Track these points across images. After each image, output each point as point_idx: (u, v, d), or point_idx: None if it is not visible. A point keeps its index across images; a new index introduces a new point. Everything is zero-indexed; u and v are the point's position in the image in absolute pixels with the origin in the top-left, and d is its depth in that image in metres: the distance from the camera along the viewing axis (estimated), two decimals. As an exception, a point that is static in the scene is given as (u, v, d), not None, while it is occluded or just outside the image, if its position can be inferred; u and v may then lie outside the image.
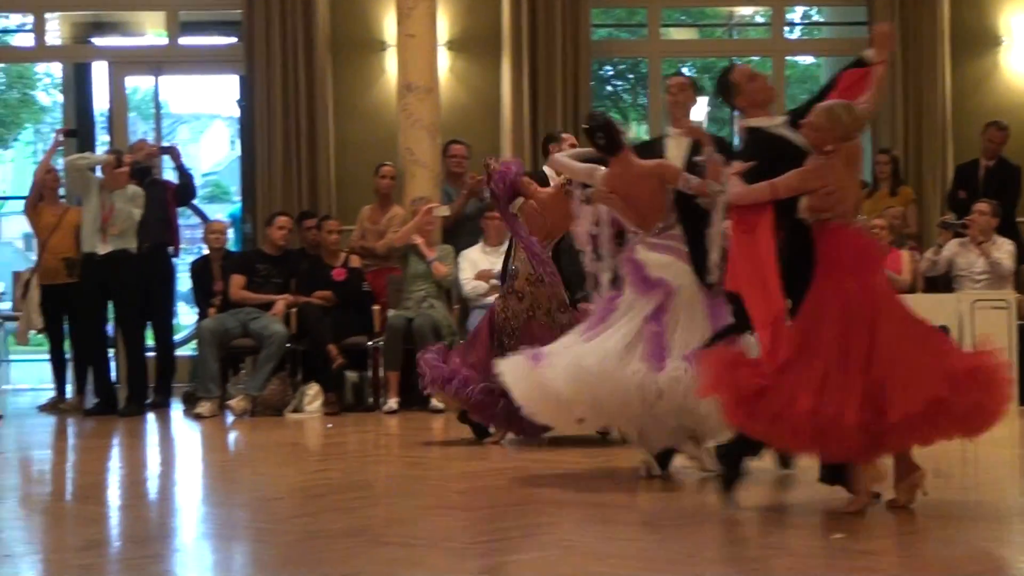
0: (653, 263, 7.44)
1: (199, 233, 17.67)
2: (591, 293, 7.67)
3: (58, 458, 9.76)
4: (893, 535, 6.01)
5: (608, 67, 21.87)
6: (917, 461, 6.38)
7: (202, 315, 11.97)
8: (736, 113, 6.94)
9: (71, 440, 10.62)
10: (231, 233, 13.72)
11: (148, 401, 11.56)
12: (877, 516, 6.25)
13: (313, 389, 11.21)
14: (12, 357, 15.52)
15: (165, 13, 14.19)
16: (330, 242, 11.79)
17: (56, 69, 21.71)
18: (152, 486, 8.23)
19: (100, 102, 16.17)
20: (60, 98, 21.36)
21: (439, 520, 6.55)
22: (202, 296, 12.06)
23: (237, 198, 26.64)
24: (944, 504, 6.53)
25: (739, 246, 6.47)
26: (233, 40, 14.25)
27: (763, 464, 7.02)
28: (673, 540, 5.96)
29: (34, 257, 12.94)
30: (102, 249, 11.25)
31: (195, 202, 13.27)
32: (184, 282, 14.19)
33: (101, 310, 11.58)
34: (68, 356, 11.95)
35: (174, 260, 12.25)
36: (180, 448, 10.26)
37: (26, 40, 16.02)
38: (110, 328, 11.96)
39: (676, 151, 7.66)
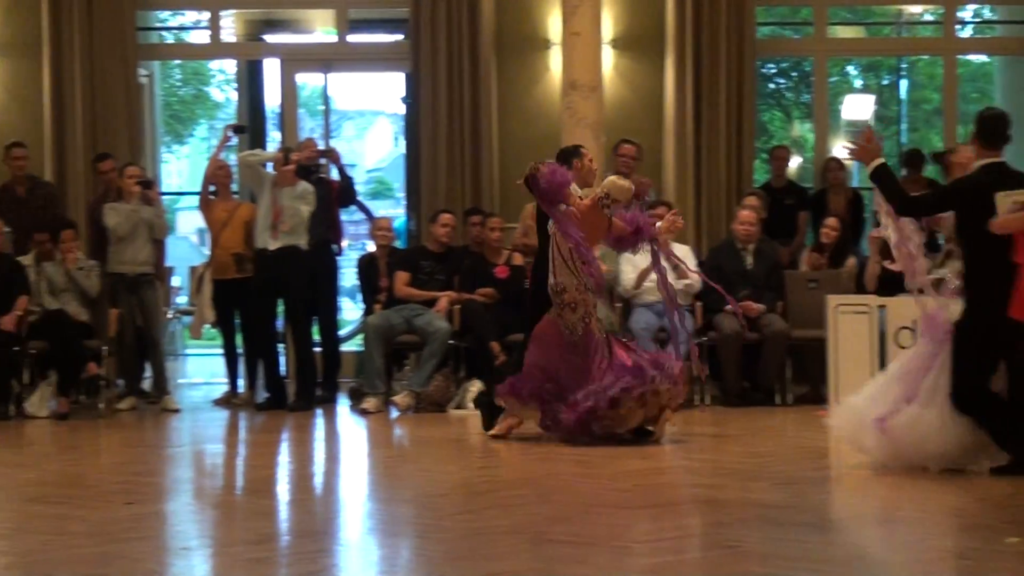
0: (947, 311, 7.83)
1: (363, 230, 17.93)
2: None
3: (229, 452, 10.01)
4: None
5: (770, 65, 21.68)
6: None
7: (367, 311, 12.13)
8: None
9: (242, 434, 10.86)
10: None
11: (316, 396, 11.74)
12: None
13: (476, 386, 11.27)
14: (187, 351, 15.87)
15: (335, 10, 14.40)
16: (492, 240, 11.89)
17: (230, 66, 22.16)
18: (319, 481, 8.39)
19: (271, 98, 16.50)
20: (233, 95, 21.84)
21: (602, 518, 6.56)
22: (368, 292, 12.21)
23: (400, 195, 26.90)
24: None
25: None
26: (400, 37, 14.42)
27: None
28: (840, 541, 5.92)
29: (207, 252, 13.23)
30: (272, 245, 11.45)
31: (359, 198, 13.41)
32: (348, 278, 14.39)
33: (271, 305, 11.78)
34: (240, 351, 12.20)
35: (338, 257, 12.43)
36: (346, 443, 10.42)
37: (202, 37, 16.40)
38: (279, 323, 12.16)
39: None
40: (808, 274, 12.04)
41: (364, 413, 11.09)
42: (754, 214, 11.88)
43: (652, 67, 13.55)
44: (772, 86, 22.58)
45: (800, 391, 11.65)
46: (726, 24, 13.31)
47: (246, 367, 12.15)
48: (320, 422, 11.05)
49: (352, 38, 14.53)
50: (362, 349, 11.96)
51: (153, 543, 6.18)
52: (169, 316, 13.07)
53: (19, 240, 11.97)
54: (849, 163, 13.23)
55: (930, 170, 12.92)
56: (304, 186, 11.52)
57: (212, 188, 12.17)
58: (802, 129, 22.27)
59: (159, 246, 12.11)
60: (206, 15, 14.88)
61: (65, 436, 10.17)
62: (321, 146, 12.55)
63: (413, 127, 14.01)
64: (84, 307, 11.55)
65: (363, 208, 13.36)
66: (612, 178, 9.60)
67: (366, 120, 32.75)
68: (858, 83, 23.00)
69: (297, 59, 14.55)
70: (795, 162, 18.30)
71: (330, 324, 12.16)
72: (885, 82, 22.79)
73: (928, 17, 16.89)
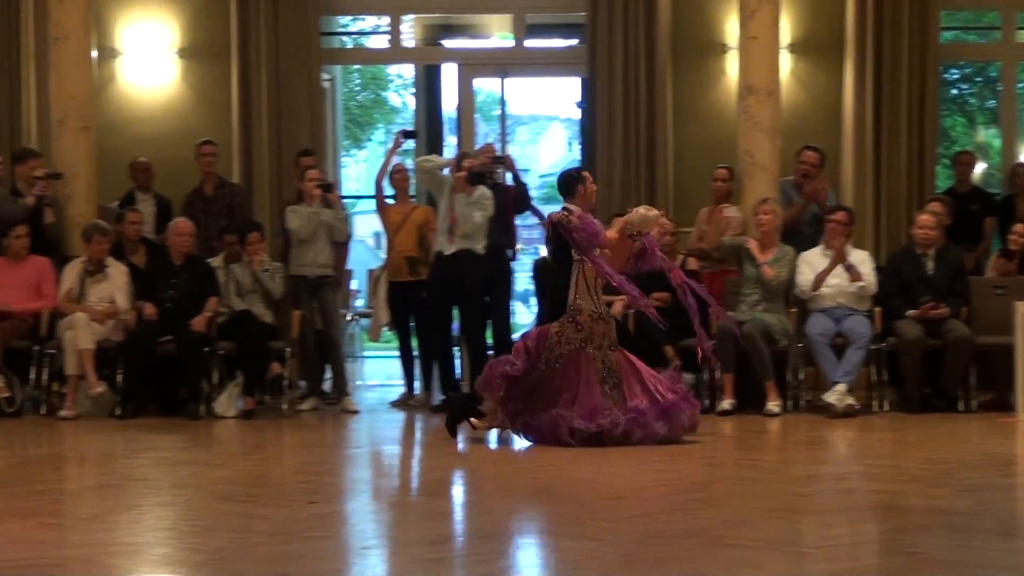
0: None
1: (536, 234, 18.00)
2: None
3: (406, 453, 10.15)
4: None
5: (953, 70, 21.27)
6: None
7: (541, 314, 12.17)
8: None
9: (418, 435, 10.99)
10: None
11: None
12: None
13: (649, 389, 11.25)
14: (365, 354, 16.10)
15: (512, 15, 14.51)
16: (664, 244, 11.83)
17: (407, 70, 22.42)
18: (494, 483, 8.45)
19: (447, 103, 16.67)
20: (411, 99, 22.10)
21: (779, 523, 6.51)
22: (542, 296, 12.25)
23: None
24: None
25: None
26: (576, 42, 14.47)
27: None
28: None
29: (383, 255, 13.42)
30: (448, 249, 11.58)
31: (533, 203, 13.47)
32: (521, 282, 14.45)
33: (447, 308, 11.90)
34: (415, 353, 12.34)
35: (512, 261, 12.50)
36: (520, 445, 10.47)
37: (381, 42, 16.62)
38: (454, 326, 12.28)
39: None
40: (995, 280, 11.82)
41: (538, 416, 11.13)
42: (934, 218, 11.69)
43: (830, 71, 13.42)
44: (955, 91, 22.15)
45: (984, 398, 11.43)
46: (908, 28, 13.13)
47: (421, 369, 12.30)
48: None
49: (529, 43, 14.63)
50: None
51: (334, 542, 6.28)
52: (348, 318, 13.27)
53: (206, 240, 12.27)
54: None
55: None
56: (481, 191, 11.62)
57: (390, 192, 12.35)
58: (986, 135, 21.79)
59: (339, 249, 12.31)
60: (386, 20, 15.10)
61: (251, 436, 10.40)
62: (498, 151, 12.65)
63: (588, 131, 14.05)
64: (269, 308, 11.80)
65: (537, 213, 13.40)
66: (640, 210, 9.82)
67: (540, 125, 32.89)
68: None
69: (474, 64, 14.68)
70: (979, 168, 17.92)
71: (504, 327, 12.22)
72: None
73: None
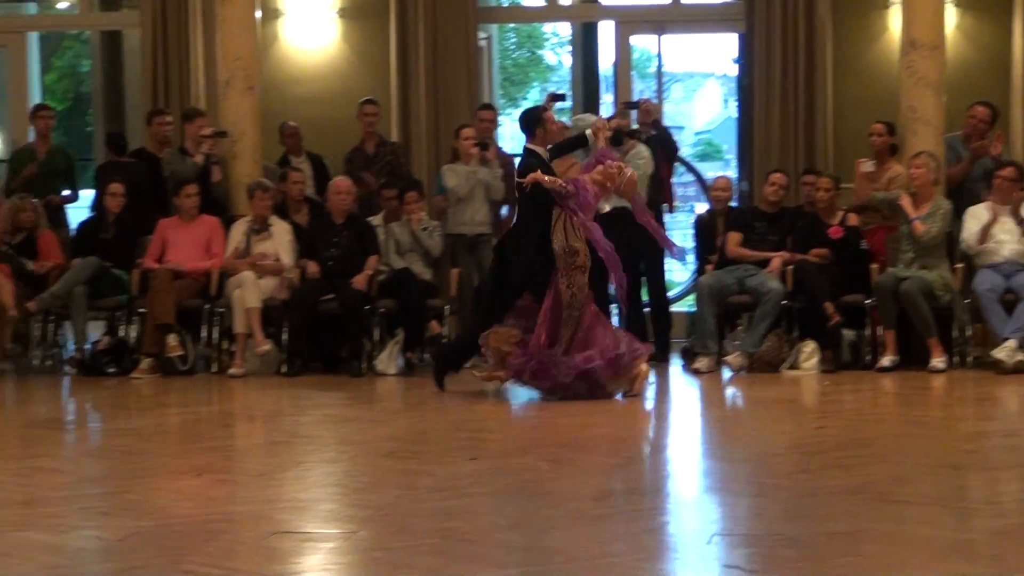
0: None
1: (691, 191, 17.94)
2: None
3: (561, 410, 10.13)
4: None
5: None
6: None
7: (700, 271, 12.16)
8: None
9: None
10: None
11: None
12: None
13: (809, 346, 11.18)
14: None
15: (669, -28, 14.42)
16: (819, 200, 11.72)
17: (563, 28, 22.41)
18: (654, 440, 8.48)
19: (604, 61, 16.63)
20: (567, 58, 22.10)
21: (947, 479, 6.46)
22: (704, 252, 12.23)
23: (729, 156, 26.73)
24: None
25: None
26: (735, -1, 14.34)
27: None
28: None
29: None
30: (604, 207, 11.57)
31: (689, 160, 13.42)
32: (678, 239, 14.38)
33: (602, 267, 11.88)
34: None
35: (668, 216, 12.43)
36: (679, 403, 10.49)
37: (537, 0, 16.61)
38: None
39: None
40: None
41: (696, 373, 11.14)
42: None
43: (999, 25, 13.13)
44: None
45: None
46: (1082, -21, 12.80)
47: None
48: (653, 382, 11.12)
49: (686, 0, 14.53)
50: (694, 310, 11.99)
51: (495, 498, 6.36)
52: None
53: (364, 197, 12.41)
54: None
55: None
56: (638, 149, 11.59)
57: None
58: None
59: (496, 207, 12.39)
60: (542, -22, 15.10)
61: (411, 393, 10.51)
62: (656, 108, 12.58)
63: (745, 88, 13.93)
64: (427, 267, 11.93)
65: (691, 169, 13.38)
66: (631, 174, 9.95)
67: (695, 82, 32.69)
68: None
69: (631, 21, 14.58)
70: None
71: (659, 285, 12.20)
72: None
73: None
